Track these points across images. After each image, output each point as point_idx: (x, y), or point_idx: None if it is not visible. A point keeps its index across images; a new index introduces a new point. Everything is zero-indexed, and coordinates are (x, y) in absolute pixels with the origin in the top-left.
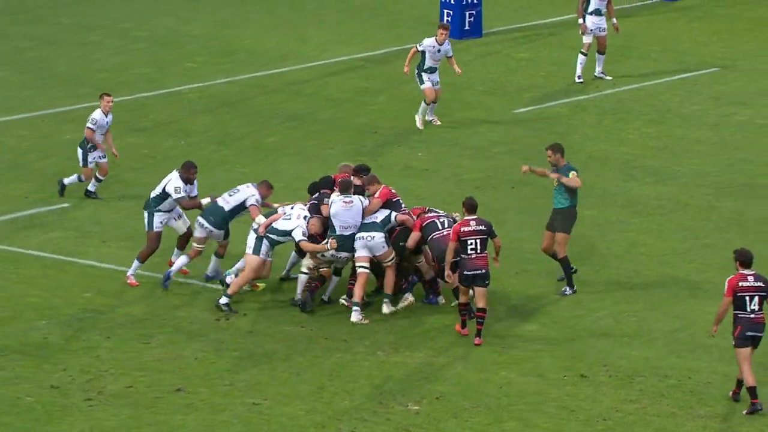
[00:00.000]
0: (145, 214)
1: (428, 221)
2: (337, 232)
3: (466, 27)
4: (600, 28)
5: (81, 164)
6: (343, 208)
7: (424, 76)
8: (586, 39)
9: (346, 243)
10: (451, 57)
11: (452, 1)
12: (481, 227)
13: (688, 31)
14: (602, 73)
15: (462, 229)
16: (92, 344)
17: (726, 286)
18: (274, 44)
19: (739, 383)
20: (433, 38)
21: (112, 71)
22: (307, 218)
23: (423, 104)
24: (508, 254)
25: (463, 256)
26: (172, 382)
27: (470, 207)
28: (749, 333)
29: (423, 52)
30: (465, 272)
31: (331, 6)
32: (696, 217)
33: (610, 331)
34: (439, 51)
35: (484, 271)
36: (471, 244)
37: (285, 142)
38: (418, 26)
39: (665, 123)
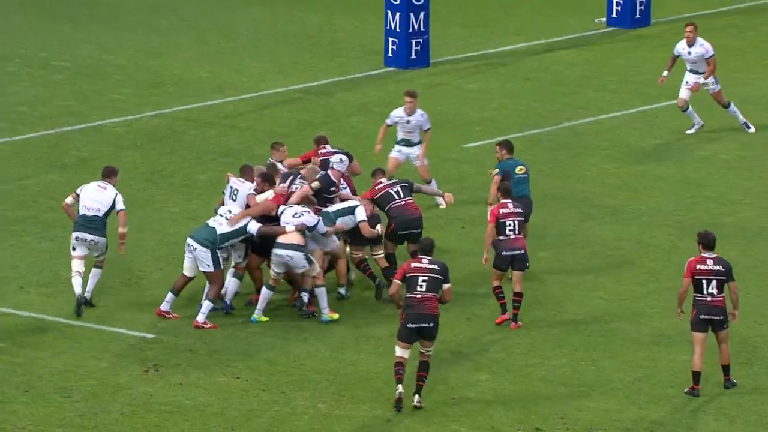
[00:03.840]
0: (206, 252)
1: (381, 192)
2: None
3: (413, 56)
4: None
5: None
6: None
7: (395, 146)
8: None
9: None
10: (427, 130)
11: (397, 29)
12: (518, 210)
13: (649, 60)
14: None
15: (501, 210)
16: (7, 398)
17: (686, 268)
18: (206, 75)
19: (696, 376)
20: (401, 108)
21: (32, 104)
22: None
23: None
24: (458, 299)
25: (501, 237)
26: None
27: (506, 191)
28: (704, 316)
29: (395, 125)
30: (503, 253)
31: (267, 34)
32: (658, 258)
33: (567, 381)
34: (408, 122)
35: (523, 251)
36: (509, 225)
37: (219, 179)
38: (361, 56)
39: (624, 159)
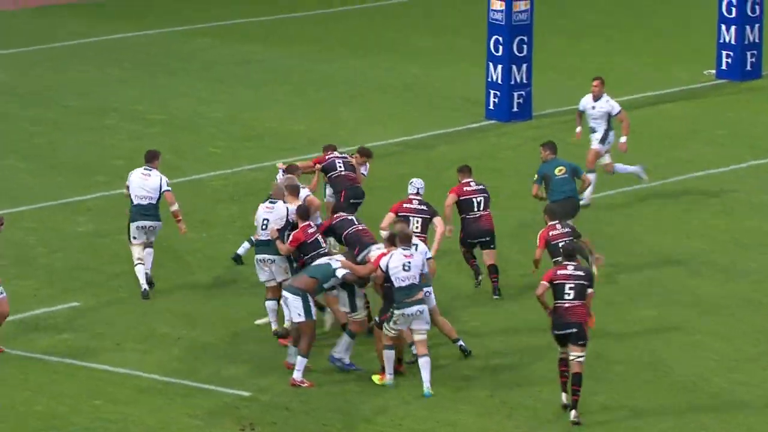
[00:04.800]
0: (298, 301)
1: (466, 197)
2: None
3: (515, 109)
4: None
5: None
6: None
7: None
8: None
9: None
10: (618, 113)
11: (499, 81)
12: (567, 230)
13: (761, 113)
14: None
15: (550, 233)
16: None
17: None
18: (302, 127)
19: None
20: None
21: (129, 157)
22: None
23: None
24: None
25: (554, 259)
26: None
27: (552, 213)
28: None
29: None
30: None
31: (365, 85)
32: None
33: None
34: (594, 108)
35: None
36: (561, 244)
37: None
38: (461, 107)
39: (734, 214)
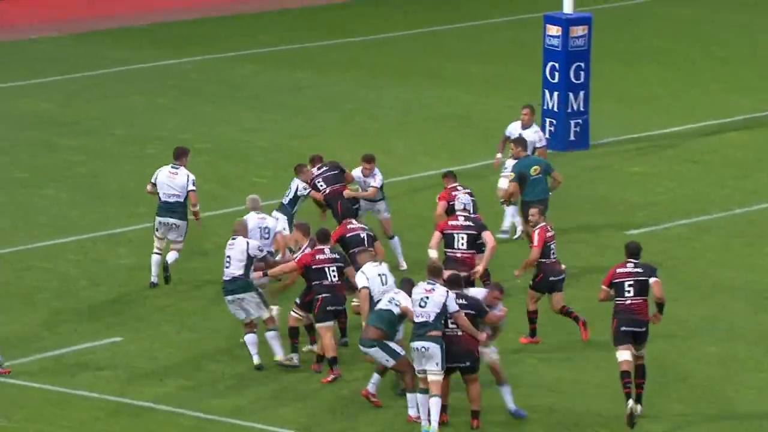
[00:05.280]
0: (379, 351)
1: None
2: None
3: (572, 138)
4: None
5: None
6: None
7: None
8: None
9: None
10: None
11: (555, 109)
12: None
13: None
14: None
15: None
16: None
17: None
18: (351, 156)
19: None
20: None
21: None
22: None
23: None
24: None
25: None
26: None
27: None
28: (624, 328)
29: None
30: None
31: (416, 114)
32: None
33: None
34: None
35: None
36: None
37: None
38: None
39: None
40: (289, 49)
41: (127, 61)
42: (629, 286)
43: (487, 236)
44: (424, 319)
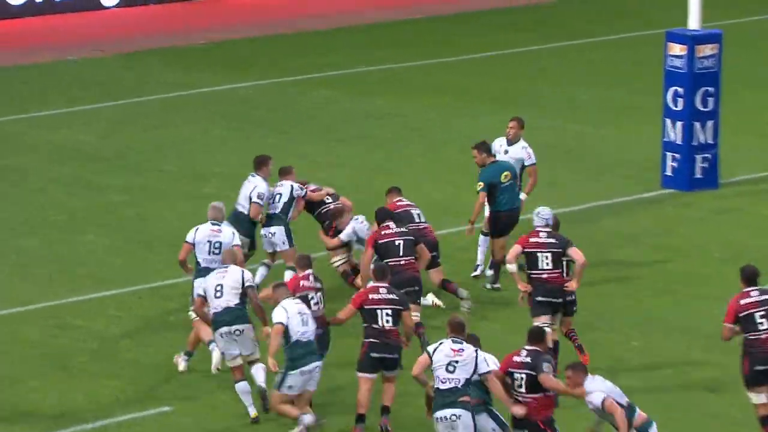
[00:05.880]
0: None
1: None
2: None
3: (698, 175)
4: None
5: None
6: None
7: None
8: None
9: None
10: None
11: (678, 142)
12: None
13: None
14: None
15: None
16: None
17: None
18: (440, 196)
19: None
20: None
21: None
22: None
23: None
24: None
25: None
26: None
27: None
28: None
29: None
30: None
31: None
32: None
33: None
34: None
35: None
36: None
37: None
38: (632, 174)
39: None
40: (364, 71)
41: (179, 85)
42: (762, 317)
43: (575, 253)
44: (452, 386)
